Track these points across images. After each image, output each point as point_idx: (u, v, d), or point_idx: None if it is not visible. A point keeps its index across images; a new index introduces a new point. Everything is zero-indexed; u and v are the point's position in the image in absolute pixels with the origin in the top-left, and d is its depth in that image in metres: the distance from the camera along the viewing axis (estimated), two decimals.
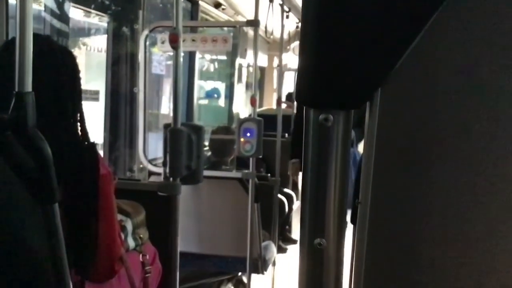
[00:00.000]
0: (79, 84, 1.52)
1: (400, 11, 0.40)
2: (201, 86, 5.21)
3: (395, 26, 0.40)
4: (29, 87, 1.22)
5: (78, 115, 1.51)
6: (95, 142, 1.54)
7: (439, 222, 0.42)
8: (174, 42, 2.00)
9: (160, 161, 3.36)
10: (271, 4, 3.57)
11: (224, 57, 5.68)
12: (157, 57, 4.41)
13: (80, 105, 1.52)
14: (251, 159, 3.00)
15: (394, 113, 0.41)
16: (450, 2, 0.38)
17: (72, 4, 2.85)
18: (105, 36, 3.38)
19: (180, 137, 2.02)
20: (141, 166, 3.30)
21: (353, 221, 0.42)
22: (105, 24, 3.38)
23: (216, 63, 6.01)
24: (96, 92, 3.07)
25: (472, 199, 0.41)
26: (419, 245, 0.43)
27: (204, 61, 5.62)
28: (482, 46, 0.38)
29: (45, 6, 2.70)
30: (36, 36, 1.25)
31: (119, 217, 1.79)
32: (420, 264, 0.43)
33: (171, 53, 2.08)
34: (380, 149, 0.42)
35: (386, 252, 0.43)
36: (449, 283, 0.42)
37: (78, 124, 1.51)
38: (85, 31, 3.62)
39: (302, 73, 0.43)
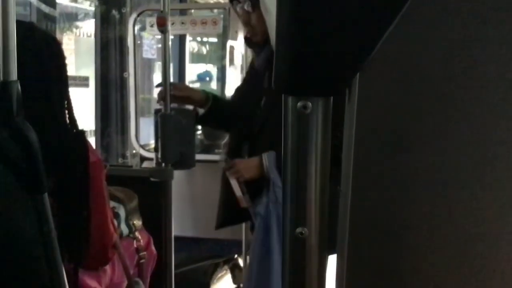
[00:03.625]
0: (65, 71, 1.50)
1: None
2: (192, 69, 5.17)
3: (371, 11, 0.39)
4: (14, 76, 1.20)
5: (66, 102, 1.49)
6: (84, 129, 1.53)
7: (425, 209, 0.42)
8: (162, 26, 1.98)
9: (152, 146, 3.34)
10: None
11: (215, 40, 5.63)
12: (148, 41, 4.36)
13: (67, 92, 1.50)
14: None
15: (373, 99, 0.41)
16: None
17: None
18: (83, 19, 3.33)
19: (171, 122, 2.01)
20: (133, 152, 3.29)
21: None
22: (93, 9, 3.33)
23: (207, 46, 5.96)
24: (86, 78, 3.04)
25: (458, 184, 0.41)
26: (403, 232, 0.43)
27: (195, 43, 5.57)
28: (459, 30, 0.37)
29: None
30: (18, 23, 1.23)
31: (112, 203, 1.78)
32: (404, 252, 0.42)
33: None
34: (360, 135, 0.41)
35: (369, 239, 0.42)
36: (434, 271, 0.41)
37: (66, 111, 1.49)
38: (73, 16, 3.57)
39: (279, 60, 0.42)
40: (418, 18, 0.38)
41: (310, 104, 0.41)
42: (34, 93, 1.39)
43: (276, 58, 0.42)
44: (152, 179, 2.06)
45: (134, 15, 3.11)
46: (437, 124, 0.39)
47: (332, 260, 0.46)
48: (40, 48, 1.42)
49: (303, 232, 0.43)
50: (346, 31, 0.39)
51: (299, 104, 0.42)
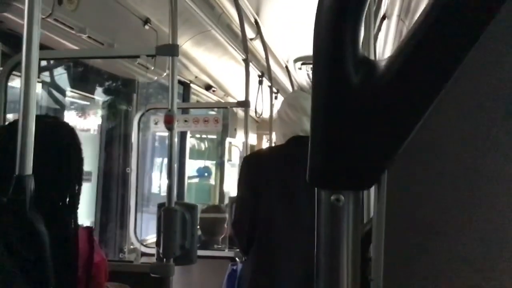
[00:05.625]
0: (82, 169, 1.53)
1: (403, 99, 0.44)
2: (191, 164, 5.26)
3: (398, 113, 0.44)
4: (29, 170, 1.24)
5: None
6: (92, 227, 1.54)
7: None
8: (169, 123, 2.05)
9: (149, 241, 3.31)
10: (260, 86, 3.72)
11: (213, 136, 5.78)
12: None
13: (80, 189, 1.52)
14: None
15: (402, 195, 0.44)
16: (451, 88, 0.43)
17: (70, 89, 2.95)
18: (90, 115, 3.45)
19: (174, 216, 2.02)
20: (131, 247, 3.25)
21: None
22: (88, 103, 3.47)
23: (206, 142, 6.10)
24: (89, 173, 3.08)
25: (488, 271, 0.43)
26: None
27: (193, 140, 5.71)
28: (482, 130, 0.42)
29: (43, 84, 2.79)
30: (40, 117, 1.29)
31: None
32: None
33: (161, 134, 2.13)
34: (390, 228, 0.44)
35: None
36: None
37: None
38: (75, 111, 3.68)
39: (314, 157, 0.46)
40: (442, 118, 0.43)
41: (342, 197, 0.45)
42: (48, 187, 1.41)
43: (310, 156, 0.46)
44: (152, 274, 2.02)
45: (140, 113, 3.23)
46: (467, 217, 0.42)
47: None
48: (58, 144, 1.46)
49: None
50: (374, 132, 0.44)
51: (332, 197, 0.46)
